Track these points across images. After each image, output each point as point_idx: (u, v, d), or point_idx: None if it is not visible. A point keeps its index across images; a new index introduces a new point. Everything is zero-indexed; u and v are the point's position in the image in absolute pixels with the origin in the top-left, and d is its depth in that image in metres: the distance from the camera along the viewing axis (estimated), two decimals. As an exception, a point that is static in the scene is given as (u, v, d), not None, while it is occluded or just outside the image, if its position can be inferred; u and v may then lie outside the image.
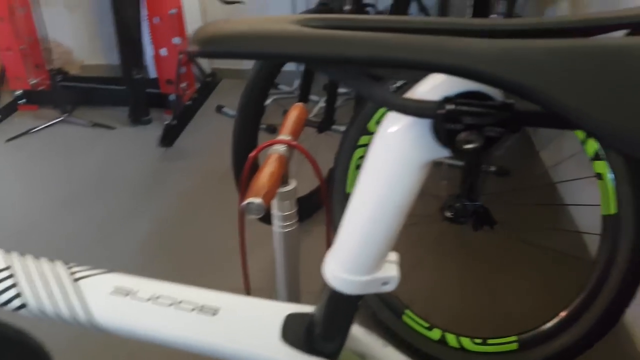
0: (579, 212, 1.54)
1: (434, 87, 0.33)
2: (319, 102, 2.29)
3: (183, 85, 2.34)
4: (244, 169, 0.78)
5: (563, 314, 1.04)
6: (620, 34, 0.32)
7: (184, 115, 2.29)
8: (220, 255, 1.50)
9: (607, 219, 0.99)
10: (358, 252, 0.41)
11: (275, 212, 0.78)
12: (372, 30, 0.30)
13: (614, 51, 0.26)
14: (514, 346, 1.08)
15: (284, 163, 0.72)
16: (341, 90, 2.17)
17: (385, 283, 0.44)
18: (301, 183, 0.79)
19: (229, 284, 0.73)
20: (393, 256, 0.44)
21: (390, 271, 0.44)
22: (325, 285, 0.45)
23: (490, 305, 1.29)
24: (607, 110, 0.26)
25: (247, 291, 0.90)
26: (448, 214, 1.23)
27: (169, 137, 2.12)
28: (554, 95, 0.27)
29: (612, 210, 0.98)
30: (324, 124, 1.67)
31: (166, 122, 2.13)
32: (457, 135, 0.32)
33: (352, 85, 0.31)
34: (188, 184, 1.87)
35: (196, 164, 1.99)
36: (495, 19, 0.33)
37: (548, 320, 1.06)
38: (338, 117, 1.68)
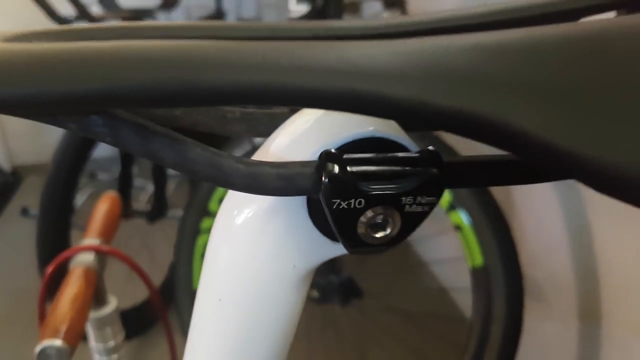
0: (445, 269, 1.51)
1: (298, 135, 0.19)
2: (146, 187, 2.05)
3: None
4: (40, 293, 0.55)
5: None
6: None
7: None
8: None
9: (475, 271, 0.94)
10: None
11: (93, 344, 0.57)
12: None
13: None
14: None
15: (93, 277, 0.52)
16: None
17: None
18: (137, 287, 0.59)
19: None
20: None
21: None
22: None
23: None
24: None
25: None
26: (314, 295, 1.11)
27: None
28: (540, 128, 0.13)
29: (478, 261, 0.93)
30: (155, 211, 1.44)
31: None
32: (358, 218, 0.18)
33: (137, 151, 0.16)
34: (-11, 311, 1.48)
35: (1, 286, 1.61)
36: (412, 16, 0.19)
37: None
38: (173, 201, 1.48)
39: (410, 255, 1.67)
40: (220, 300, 0.21)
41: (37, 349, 0.42)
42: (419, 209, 0.18)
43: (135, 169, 1.55)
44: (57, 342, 0.42)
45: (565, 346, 0.98)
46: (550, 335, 1.02)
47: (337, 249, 0.21)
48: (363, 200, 0.17)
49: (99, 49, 0.13)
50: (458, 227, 0.95)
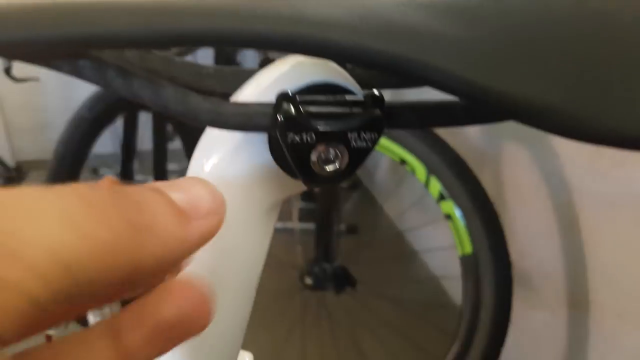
0: (437, 258, 1.54)
1: (262, 84, 0.22)
2: (147, 182, 2.08)
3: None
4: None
5: (442, 369, 0.97)
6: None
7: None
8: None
9: (464, 259, 0.96)
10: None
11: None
12: None
13: None
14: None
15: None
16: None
17: None
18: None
19: None
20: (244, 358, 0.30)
21: None
22: None
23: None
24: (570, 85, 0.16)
25: None
26: (308, 281, 1.13)
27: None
28: (461, 68, 0.16)
29: (468, 249, 0.95)
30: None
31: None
32: (310, 152, 0.20)
33: (116, 87, 0.18)
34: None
35: None
36: None
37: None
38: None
39: (403, 245, 1.70)
40: None
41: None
42: (363, 144, 0.21)
43: (136, 165, 1.58)
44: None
45: (554, 334, 1.00)
46: (540, 323, 1.04)
47: (297, 185, 0.23)
48: (314, 135, 0.20)
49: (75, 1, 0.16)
50: (448, 217, 0.97)
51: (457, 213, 0.95)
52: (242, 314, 0.26)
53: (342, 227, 1.77)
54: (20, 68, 1.69)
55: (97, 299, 0.12)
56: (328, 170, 0.21)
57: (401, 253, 1.67)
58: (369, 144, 0.21)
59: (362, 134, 0.20)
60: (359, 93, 0.22)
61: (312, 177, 0.21)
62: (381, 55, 0.16)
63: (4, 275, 0.10)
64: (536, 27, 0.16)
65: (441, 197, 0.98)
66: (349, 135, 0.20)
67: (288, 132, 0.20)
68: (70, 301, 0.11)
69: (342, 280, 1.12)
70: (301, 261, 1.16)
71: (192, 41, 0.16)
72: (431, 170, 0.98)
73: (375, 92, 0.20)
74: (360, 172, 1.83)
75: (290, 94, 0.20)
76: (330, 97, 0.21)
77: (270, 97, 0.20)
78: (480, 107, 0.20)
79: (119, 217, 0.11)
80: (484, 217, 0.93)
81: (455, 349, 0.97)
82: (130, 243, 0.12)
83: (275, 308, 1.30)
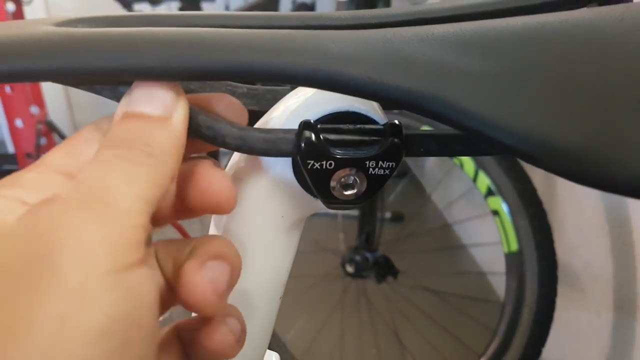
0: (482, 253, 1.52)
1: (288, 109, 0.23)
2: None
3: (45, 157, 2.09)
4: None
5: (480, 363, 0.97)
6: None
7: (47, 191, 2.02)
8: None
9: (509, 256, 0.95)
10: None
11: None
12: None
13: (565, 32, 0.17)
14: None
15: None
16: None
17: None
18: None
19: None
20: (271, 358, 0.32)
21: None
22: None
23: (404, 362, 1.20)
24: (561, 123, 0.16)
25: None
26: (349, 269, 1.15)
27: (29, 218, 1.85)
28: (473, 105, 0.17)
29: (514, 247, 0.94)
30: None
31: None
32: (330, 178, 0.22)
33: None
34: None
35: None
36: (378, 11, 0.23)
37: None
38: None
39: (450, 237, 1.68)
40: None
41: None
42: (381, 172, 0.22)
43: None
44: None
45: (598, 336, 0.98)
46: (584, 323, 1.02)
47: (318, 204, 0.24)
48: (333, 162, 0.21)
49: (120, 35, 0.17)
50: (495, 212, 0.96)
51: (504, 209, 0.94)
52: (268, 320, 0.28)
53: (388, 214, 1.77)
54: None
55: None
56: (347, 194, 0.22)
57: (447, 245, 1.65)
58: (387, 171, 0.22)
59: (380, 162, 0.21)
60: (381, 121, 0.22)
61: (332, 200, 0.22)
62: (396, 91, 0.17)
63: (118, 206, 0.17)
64: (552, 63, 0.16)
65: (489, 193, 0.96)
66: (367, 163, 0.21)
67: (309, 159, 0.21)
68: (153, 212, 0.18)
69: (384, 270, 1.13)
70: (343, 248, 1.17)
71: (213, 76, 0.18)
72: (480, 165, 0.97)
73: (396, 121, 0.21)
74: (409, 159, 1.81)
75: (312, 122, 0.21)
76: (350, 126, 0.22)
77: (294, 124, 0.21)
78: (484, 142, 0.20)
79: (150, 158, 0.18)
80: (532, 215, 0.91)
81: (494, 345, 0.96)
82: (160, 165, 0.18)
83: (317, 292, 1.33)
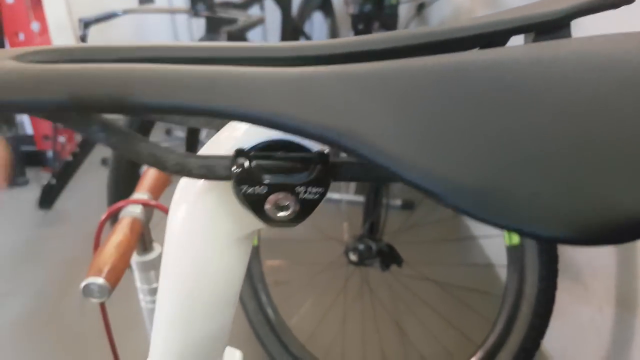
0: (489, 244, 1.52)
1: (229, 137, 0.25)
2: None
3: (61, 139, 2.13)
4: (95, 237, 0.64)
5: (479, 354, 0.98)
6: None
7: (64, 173, 2.07)
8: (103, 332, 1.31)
9: (511, 249, 0.95)
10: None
11: (139, 285, 0.65)
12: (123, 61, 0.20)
13: (456, 71, 0.18)
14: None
15: (139, 227, 0.59)
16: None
17: None
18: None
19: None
20: (234, 356, 0.33)
21: None
22: None
23: (405, 350, 1.21)
24: (448, 159, 0.17)
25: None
26: (353, 257, 1.16)
27: (48, 199, 1.90)
28: (369, 138, 0.17)
29: (515, 239, 0.94)
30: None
31: (44, 182, 1.91)
32: (264, 201, 0.23)
33: (108, 143, 0.21)
34: (69, 251, 1.66)
35: (78, 228, 1.78)
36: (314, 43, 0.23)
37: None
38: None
39: (459, 227, 1.67)
40: (173, 265, 0.27)
41: (83, 284, 0.50)
42: (311, 196, 0.23)
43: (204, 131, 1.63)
44: (100, 280, 0.50)
45: (600, 330, 0.97)
46: (586, 317, 1.01)
47: (259, 222, 0.25)
48: (266, 187, 0.23)
49: (76, 72, 0.18)
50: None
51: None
52: (223, 321, 0.29)
53: (398, 202, 1.77)
54: (94, 36, 1.79)
55: None
56: (282, 215, 0.23)
57: (456, 236, 1.65)
58: (317, 196, 0.23)
59: (309, 188, 0.23)
60: (313, 149, 0.23)
61: (268, 220, 0.24)
62: (305, 126, 0.18)
63: None
64: (457, 105, 0.17)
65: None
66: (297, 188, 0.23)
67: (242, 184, 0.22)
68: None
69: (388, 258, 1.14)
70: (347, 236, 1.18)
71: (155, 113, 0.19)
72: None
73: (325, 150, 0.22)
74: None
75: (245, 150, 0.22)
76: (282, 154, 0.23)
77: (231, 151, 0.23)
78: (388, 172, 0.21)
79: None
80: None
81: (494, 336, 0.97)
82: None
83: (321, 279, 1.34)
